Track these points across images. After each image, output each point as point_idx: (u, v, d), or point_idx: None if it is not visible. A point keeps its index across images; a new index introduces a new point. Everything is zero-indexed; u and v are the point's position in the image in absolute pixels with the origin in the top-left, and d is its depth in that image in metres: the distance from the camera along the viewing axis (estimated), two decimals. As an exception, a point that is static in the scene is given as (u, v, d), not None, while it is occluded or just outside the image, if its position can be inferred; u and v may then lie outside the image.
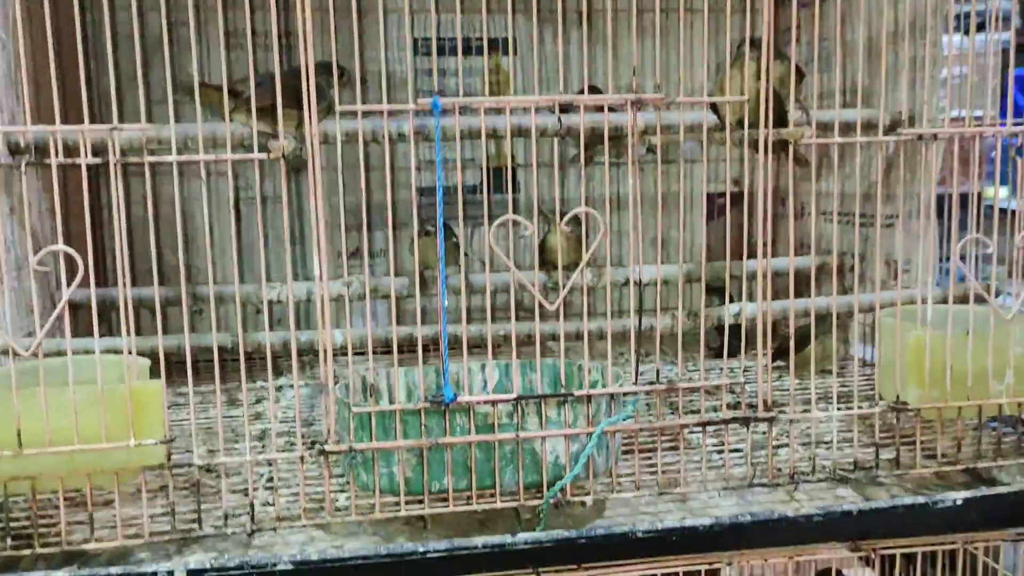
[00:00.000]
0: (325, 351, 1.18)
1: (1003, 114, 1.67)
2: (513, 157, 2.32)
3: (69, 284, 1.12)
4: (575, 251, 1.88)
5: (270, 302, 1.81)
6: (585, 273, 1.95)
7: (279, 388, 1.89)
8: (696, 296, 2.25)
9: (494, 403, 1.25)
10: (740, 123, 1.36)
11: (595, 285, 1.94)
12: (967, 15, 1.58)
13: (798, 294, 1.70)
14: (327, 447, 1.22)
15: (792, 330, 1.57)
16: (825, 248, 2.16)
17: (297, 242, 2.23)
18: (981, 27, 1.51)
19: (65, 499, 1.18)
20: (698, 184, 2.34)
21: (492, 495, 1.28)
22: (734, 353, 1.40)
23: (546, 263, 1.97)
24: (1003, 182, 1.63)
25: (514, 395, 1.25)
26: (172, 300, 1.79)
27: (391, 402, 1.47)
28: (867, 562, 1.38)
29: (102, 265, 1.97)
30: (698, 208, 2.37)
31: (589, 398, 1.27)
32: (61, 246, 1.11)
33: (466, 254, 2.06)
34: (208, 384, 1.28)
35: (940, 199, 1.70)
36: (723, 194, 2.60)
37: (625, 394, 1.31)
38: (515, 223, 1.29)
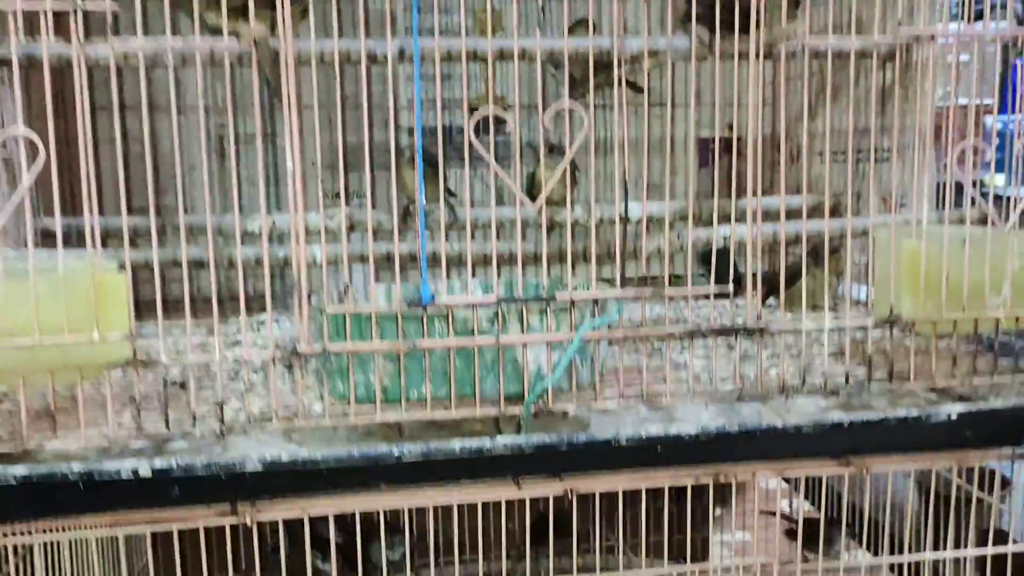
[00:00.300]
0: (297, 242, 1.14)
1: (1004, 103, 1.63)
2: (502, 98, 2.28)
3: (31, 174, 1.08)
4: (562, 186, 1.85)
5: (246, 233, 1.75)
6: (574, 208, 1.92)
7: (261, 322, 1.85)
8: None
9: (474, 307, 1.21)
10: (729, 26, 1.32)
11: (584, 222, 1.90)
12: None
13: (791, 239, 1.66)
14: (299, 348, 1.18)
15: (783, 258, 1.54)
16: (820, 190, 2.12)
17: (273, 183, 2.18)
18: (981, 16, 1.49)
19: (26, 404, 1.14)
20: (689, 128, 2.30)
21: (471, 404, 1.23)
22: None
23: (534, 199, 1.93)
24: (999, 169, 1.60)
25: (494, 297, 1.21)
26: (144, 232, 1.73)
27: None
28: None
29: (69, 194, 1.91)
30: (689, 153, 2.33)
31: (572, 303, 1.23)
32: (21, 128, 1.07)
33: (452, 193, 2.01)
34: (178, 318, 1.22)
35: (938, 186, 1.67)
36: (717, 139, 2.56)
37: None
38: (498, 120, 1.26)
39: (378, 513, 1.45)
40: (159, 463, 1.10)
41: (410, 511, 1.74)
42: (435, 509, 1.68)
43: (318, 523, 1.45)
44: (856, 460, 1.31)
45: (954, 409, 1.27)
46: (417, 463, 1.15)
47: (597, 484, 1.26)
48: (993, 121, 1.66)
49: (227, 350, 1.54)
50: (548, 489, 1.25)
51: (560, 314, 1.25)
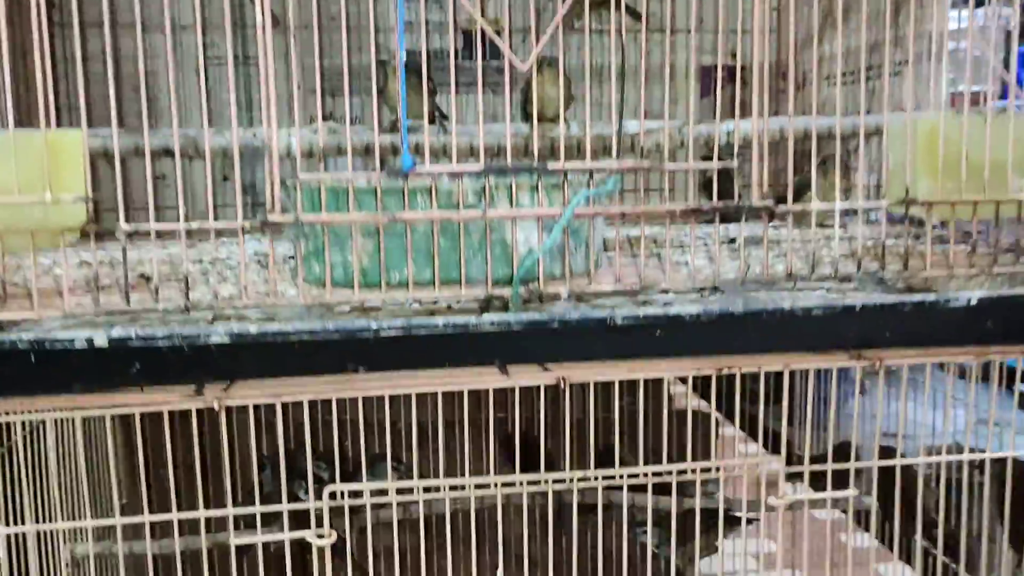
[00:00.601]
0: (268, 100, 1.05)
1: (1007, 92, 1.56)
2: (497, 20, 2.19)
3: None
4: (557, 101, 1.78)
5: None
6: (570, 124, 1.84)
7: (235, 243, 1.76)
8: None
9: (459, 176, 1.13)
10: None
11: (580, 136, 1.82)
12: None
13: (799, 166, 1.58)
14: (271, 217, 1.09)
15: (791, 155, 1.46)
16: (828, 113, 2.03)
17: (247, 107, 2.10)
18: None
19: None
20: (691, 55, 2.22)
21: (457, 287, 1.15)
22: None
23: (528, 115, 1.86)
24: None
25: (481, 166, 1.12)
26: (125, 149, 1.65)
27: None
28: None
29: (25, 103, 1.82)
30: (691, 80, 2.25)
31: (565, 176, 1.15)
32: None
33: (444, 115, 1.93)
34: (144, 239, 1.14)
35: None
36: (720, 67, 2.47)
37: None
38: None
39: (361, 444, 1.37)
40: (117, 333, 1.02)
41: (394, 439, 1.66)
42: (419, 431, 1.60)
43: (300, 457, 1.37)
44: (869, 353, 1.22)
45: (974, 295, 1.18)
46: (397, 339, 1.07)
47: (591, 373, 1.17)
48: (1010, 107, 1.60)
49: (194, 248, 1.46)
50: (538, 378, 1.16)
51: (552, 191, 1.17)
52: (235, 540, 1.12)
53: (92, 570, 1.56)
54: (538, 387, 1.20)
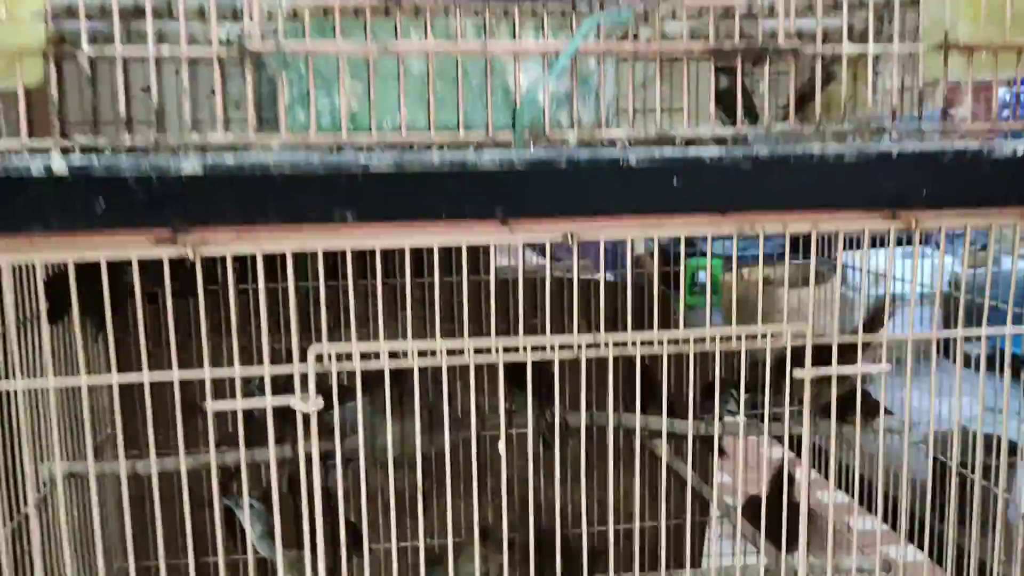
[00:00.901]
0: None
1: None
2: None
3: None
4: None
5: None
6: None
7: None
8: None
9: (456, 6, 1.03)
10: None
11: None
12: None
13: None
14: (250, 45, 0.99)
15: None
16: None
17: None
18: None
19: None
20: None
21: (455, 134, 1.06)
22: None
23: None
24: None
25: (480, -8, 1.02)
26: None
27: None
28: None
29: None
30: None
31: (574, 7, 1.05)
32: None
33: None
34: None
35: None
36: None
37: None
38: None
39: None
40: (78, 161, 0.92)
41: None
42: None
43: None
44: (904, 212, 1.12)
45: (1020, 144, 1.08)
46: (388, 178, 0.97)
47: (601, 230, 1.08)
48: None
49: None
50: (543, 234, 1.06)
51: (559, 32, 1.07)
52: (212, 406, 1.03)
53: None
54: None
